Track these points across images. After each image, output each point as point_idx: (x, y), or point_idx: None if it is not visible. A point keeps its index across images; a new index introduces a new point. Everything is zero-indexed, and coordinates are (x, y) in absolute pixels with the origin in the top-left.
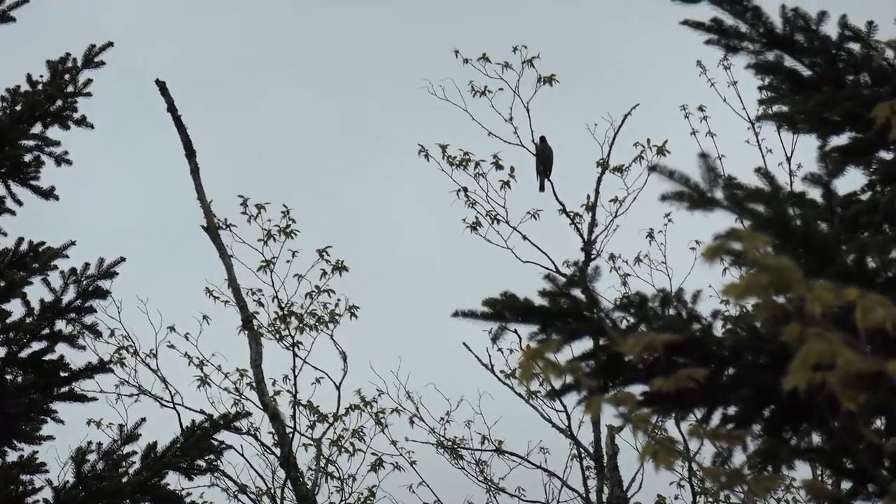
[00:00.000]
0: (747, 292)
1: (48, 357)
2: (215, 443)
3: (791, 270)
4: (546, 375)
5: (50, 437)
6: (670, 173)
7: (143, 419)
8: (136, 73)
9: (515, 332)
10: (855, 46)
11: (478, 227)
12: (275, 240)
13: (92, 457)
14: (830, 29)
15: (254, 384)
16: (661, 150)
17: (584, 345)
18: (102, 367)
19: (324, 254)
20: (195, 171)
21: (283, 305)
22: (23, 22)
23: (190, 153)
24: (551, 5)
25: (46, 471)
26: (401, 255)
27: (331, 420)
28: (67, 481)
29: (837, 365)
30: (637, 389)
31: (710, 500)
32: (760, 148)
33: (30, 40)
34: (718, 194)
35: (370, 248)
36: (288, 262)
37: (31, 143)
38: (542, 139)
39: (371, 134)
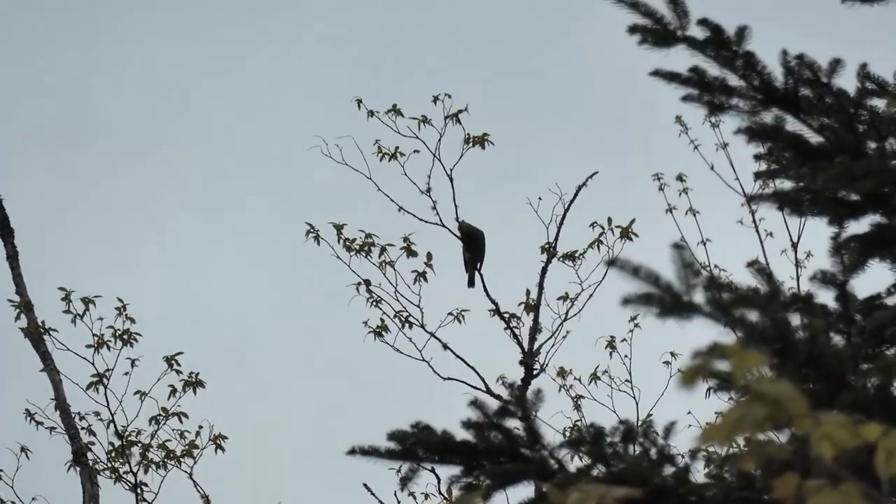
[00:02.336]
0: (735, 430)
1: None
2: None
3: (793, 400)
4: None
5: None
6: (635, 270)
7: None
8: None
9: (433, 471)
10: (880, 103)
11: (384, 333)
12: (108, 347)
13: None
14: (847, 81)
15: None
16: (627, 234)
17: (524, 491)
18: None
19: (173, 363)
20: (12, 257)
21: (121, 433)
22: None
23: (6, 232)
24: (477, 53)
25: None
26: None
27: None
28: None
29: None
30: None
31: None
32: (758, 230)
33: None
34: (698, 297)
35: (244, 360)
36: (126, 374)
37: None
38: (463, 222)
39: None
